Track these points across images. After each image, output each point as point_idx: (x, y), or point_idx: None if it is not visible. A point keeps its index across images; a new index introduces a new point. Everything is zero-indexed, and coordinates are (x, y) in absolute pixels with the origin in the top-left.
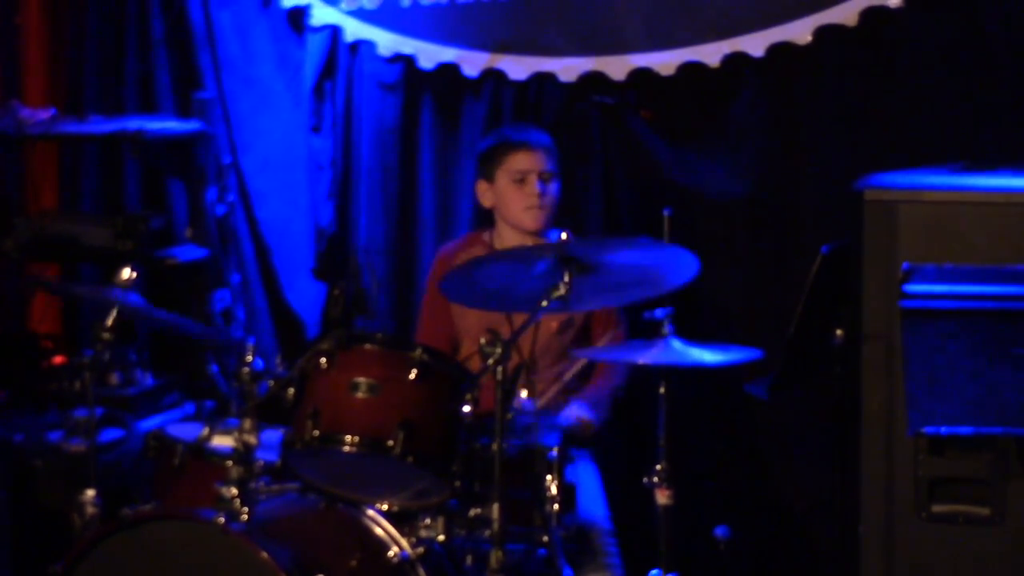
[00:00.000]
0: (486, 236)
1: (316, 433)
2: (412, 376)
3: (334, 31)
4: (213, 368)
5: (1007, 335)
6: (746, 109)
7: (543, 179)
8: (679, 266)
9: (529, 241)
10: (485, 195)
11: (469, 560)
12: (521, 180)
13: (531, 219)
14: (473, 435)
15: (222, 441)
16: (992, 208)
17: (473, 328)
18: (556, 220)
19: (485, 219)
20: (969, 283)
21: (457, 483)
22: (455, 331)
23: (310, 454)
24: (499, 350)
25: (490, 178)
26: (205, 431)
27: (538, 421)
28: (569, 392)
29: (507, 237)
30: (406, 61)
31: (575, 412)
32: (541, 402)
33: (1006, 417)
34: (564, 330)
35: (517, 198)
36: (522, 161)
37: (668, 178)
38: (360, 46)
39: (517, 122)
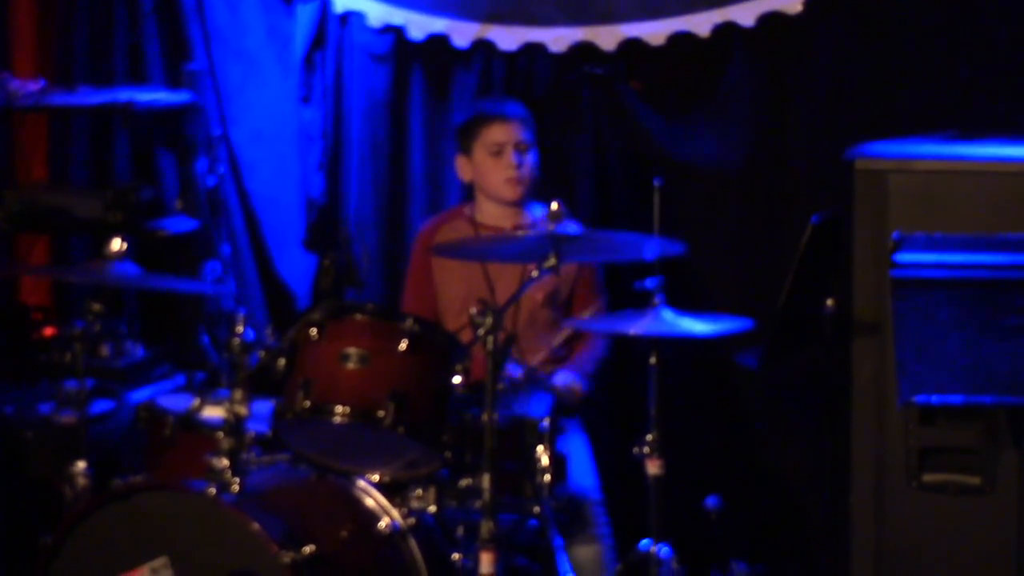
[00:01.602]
0: (467, 210)
1: (307, 404)
2: (403, 347)
3: (324, 2)
4: (204, 339)
5: (998, 304)
6: (736, 79)
7: (520, 150)
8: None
9: (510, 213)
10: (464, 169)
11: (460, 530)
12: (498, 152)
13: (510, 191)
14: (465, 405)
15: (213, 412)
16: (982, 177)
17: (455, 301)
18: (547, 190)
19: (473, 190)
20: (959, 252)
21: (448, 453)
22: (438, 306)
23: (301, 425)
24: (489, 320)
25: (468, 152)
26: (196, 402)
27: (526, 383)
28: (556, 361)
29: (488, 210)
30: (396, 32)
31: (564, 379)
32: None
33: (996, 386)
34: (549, 302)
35: (495, 170)
36: (498, 133)
37: (658, 148)
38: (350, 17)
39: (493, 95)
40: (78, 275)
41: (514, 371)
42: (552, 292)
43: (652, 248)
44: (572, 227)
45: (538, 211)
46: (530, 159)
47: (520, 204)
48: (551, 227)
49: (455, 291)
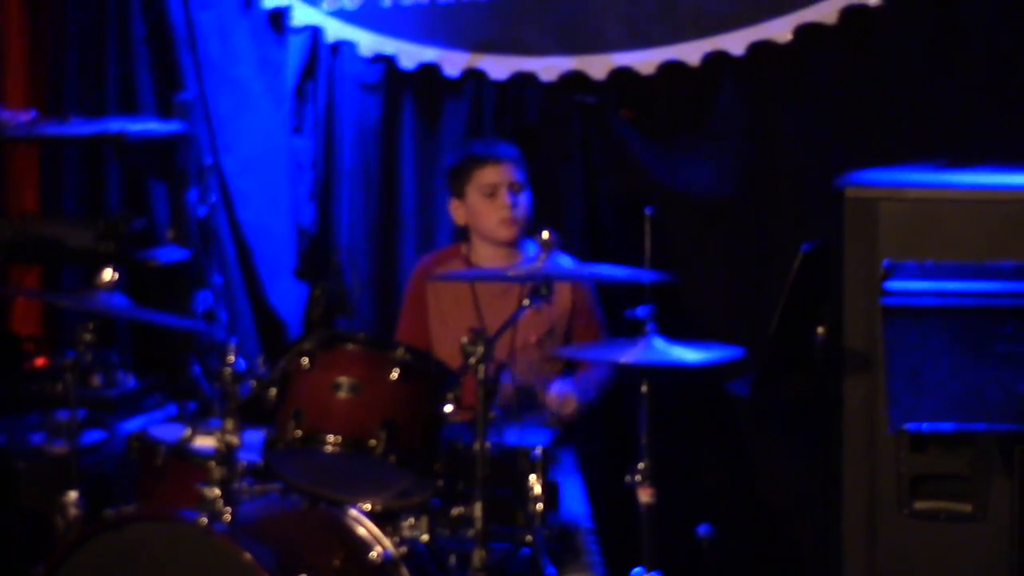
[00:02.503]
0: (463, 249)
1: (298, 433)
2: (394, 376)
3: (315, 32)
4: (195, 369)
5: (988, 331)
6: (727, 108)
7: (513, 190)
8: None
9: (505, 253)
10: (457, 212)
11: (452, 559)
12: (492, 194)
13: (505, 231)
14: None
15: (204, 442)
16: (972, 205)
17: (448, 337)
18: (538, 219)
19: (467, 231)
20: (950, 280)
21: (440, 482)
22: (431, 344)
23: (292, 454)
24: (481, 348)
25: (460, 195)
26: (187, 432)
27: (518, 400)
28: (556, 373)
29: (483, 251)
30: (387, 61)
31: (558, 387)
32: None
33: (988, 414)
34: (543, 342)
35: (489, 212)
36: (491, 175)
37: (649, 177)
38: (341, 47)
39: (484, 137)
40: (71, 301)
41: (506, 378)
42: (546, 333)
43: None
44: (563, 258)
45: (532, 249)
46: (523, 199)
47: (515, 244)
48: (543, 257)
49: (449, 331)
